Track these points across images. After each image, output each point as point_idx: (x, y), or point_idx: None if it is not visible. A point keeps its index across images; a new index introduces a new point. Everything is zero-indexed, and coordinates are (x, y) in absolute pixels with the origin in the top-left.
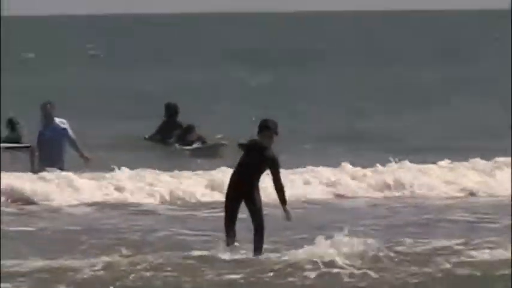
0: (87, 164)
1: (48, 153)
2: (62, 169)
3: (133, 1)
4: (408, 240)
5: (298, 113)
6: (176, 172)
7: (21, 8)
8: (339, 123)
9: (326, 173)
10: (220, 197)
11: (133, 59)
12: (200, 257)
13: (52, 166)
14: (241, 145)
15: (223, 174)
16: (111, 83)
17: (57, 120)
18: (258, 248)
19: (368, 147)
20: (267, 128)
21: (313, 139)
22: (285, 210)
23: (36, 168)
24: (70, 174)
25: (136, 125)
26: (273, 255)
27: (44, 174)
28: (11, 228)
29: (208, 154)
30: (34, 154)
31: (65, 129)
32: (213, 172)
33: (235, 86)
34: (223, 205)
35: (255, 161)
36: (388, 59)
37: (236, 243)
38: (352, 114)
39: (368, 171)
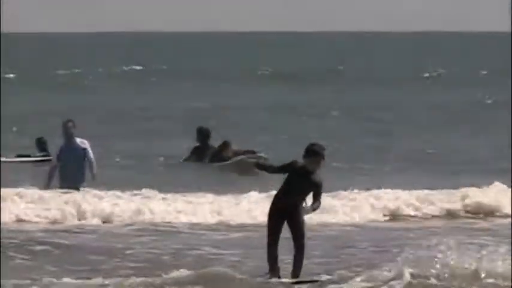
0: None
1: (68, 172)
2: (79, 189)
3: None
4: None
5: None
6: (208, 194)
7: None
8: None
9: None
10: (252, 219)
11: (169, 77)
12: (234, 279)
13: (72, 185)
14: (289, 165)
15: (257, 198)
16: (148, 102)
17: (78, 140)
18: (297, 268)
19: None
20: (315, 153)
21: (345, 158)
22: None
23: (51, 185)
24: (101, 192)
25: (174, 145)
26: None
27: (75, 192)
28: (42, 246)
29: (245, 169)
30: (54, 170)
31: (85, 149)
32: (246, 195)
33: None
34: (266, 225)
35: (301, 184)
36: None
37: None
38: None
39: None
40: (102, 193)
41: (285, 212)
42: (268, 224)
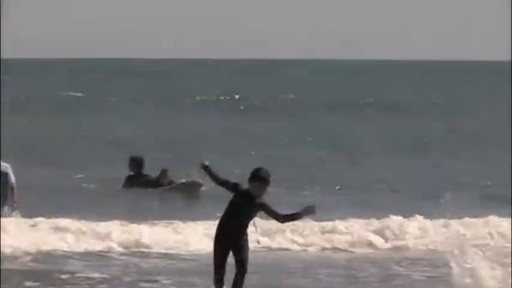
0: (10, 212)
1: None
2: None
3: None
4: None
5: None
6: (145, 221)
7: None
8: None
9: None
10: (190, 247)
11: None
12: None
13: None
14: (233, 185)
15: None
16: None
17: (2, 164)
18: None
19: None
20: (260, 179)
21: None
22: (302, 213)
23: None
24: (39, 218)
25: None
26: None
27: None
28: None
29: (184, 192)
30: None
31: (6, 174)
32: (184, 223)
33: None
34: (212, 250)
35: (244, 207)
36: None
37: None
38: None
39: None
40: (39, 219)
41: (230, 237)
42: (214, 250)
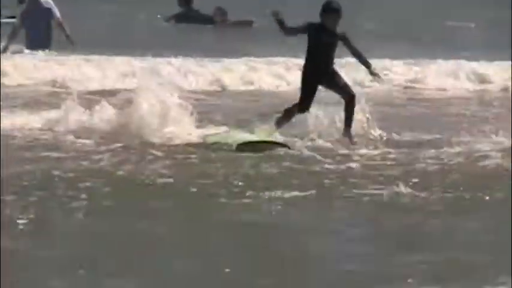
0: (71, 47)
1: (34, 35)
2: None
3: None
4: None
5: None
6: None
7: None
8: None
9: None
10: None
11: None
12: None
13: (39, 47)
14: (307, 26)
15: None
16: None
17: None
18: (348, 121)
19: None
20: (332, 9)
21: None
22: (372, 73)
23: (9, 46)
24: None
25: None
26: None
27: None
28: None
29: (236, 29)
30: (15, 32)
31: (49, 9)
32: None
33: None
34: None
35: (324, 44)
36: None
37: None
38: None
39: None
40: (89, 57)
41: (319, 79)
42: (302, 87)
